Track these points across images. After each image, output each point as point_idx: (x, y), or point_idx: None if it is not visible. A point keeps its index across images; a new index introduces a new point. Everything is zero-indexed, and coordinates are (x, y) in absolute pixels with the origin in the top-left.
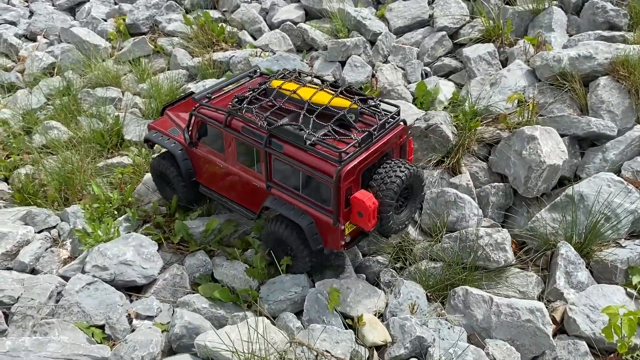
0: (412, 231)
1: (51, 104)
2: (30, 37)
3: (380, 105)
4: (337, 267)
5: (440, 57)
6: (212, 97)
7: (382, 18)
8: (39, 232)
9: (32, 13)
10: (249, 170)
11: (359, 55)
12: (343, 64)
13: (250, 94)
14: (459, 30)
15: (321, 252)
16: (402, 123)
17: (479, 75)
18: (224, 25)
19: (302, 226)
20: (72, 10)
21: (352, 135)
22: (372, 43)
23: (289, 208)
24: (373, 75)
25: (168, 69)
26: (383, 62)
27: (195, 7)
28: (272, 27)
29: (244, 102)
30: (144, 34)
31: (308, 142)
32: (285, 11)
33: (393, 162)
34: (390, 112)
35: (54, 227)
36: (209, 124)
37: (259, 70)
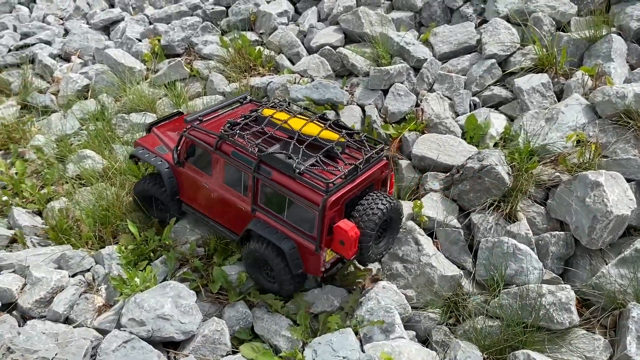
0: (466, 283)
1: (85, 129)
2: (65, 57)
3: (365, 140)
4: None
5: (489, 86)
6: (203, 120)
7: (426, 43)
8: (72, 276)
9: (66, 32)
10: (234, 192)
11: (402, 82)
12: (385, 92)
13: (242, 120)
14: (509, 57)
15: (303, 276)
16: (385, 158)
17: (532, 108)
18: (262, 48)
19: (285, 250)
20: (106, 29)
21: (339, 167)
22: (416, 70)
23: (272, 232)
24: (417, 105)
25: (204, 94)
26: (428, 91)
27: (232, 29)
28: (310, 51)
29: (236, 128)
30: (179, 55)
31: (297, 171)
32: (324, 34)
33: (375, 195)
34: (376, 147)
35: (88, 270)
36: (199, 146)
37: (249, 96)
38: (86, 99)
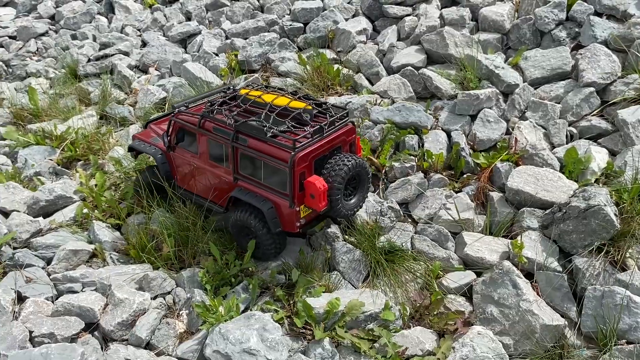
0: (570, 334)
1: None
2: (142, 68)
3: (330, 108)
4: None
5: (586, 116)
6: (190, 106)
7: (516, 67)
8: (153, 298)
9: (144, 43)
10: (218, 166)
11: (491, 108)
12: (472, 117)
13: (221, 99)
14: (608, 86)
15: (281, 236)
16: (350, 124)
17: (637, 142)
18: (340, 67)
19: (263, 210)
20: (183, 42)
21: (307, 130)
22: (505, 95)
23: (252, 196)
24: (508, 133)
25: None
26: (519, 119)
27: (309, 46)
28: (390, 70)
29: (215, 106)
30: (255, 71)
31: (268, 135)
32: (405, 54)
33: (342, 154)
34: (339, 114)
35: (169, 292)
36: (185, 127)
37: (231, 87)
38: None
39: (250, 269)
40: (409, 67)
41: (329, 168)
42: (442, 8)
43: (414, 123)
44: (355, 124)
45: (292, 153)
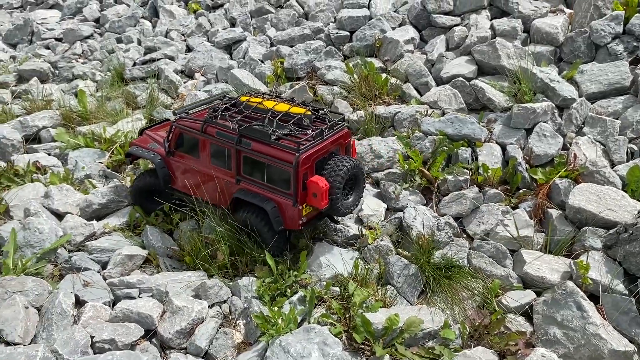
0: None
1: None
2: (188, 73)
3: (328, 113)
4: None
5: None
6: (190, 112)
7: (571, 81)
8: (210, 307)
9: (188, 48)
10: (221, 169)
11: (546, 122)
12: (527, 131)
13: (223, 105)
14: None
15: (283, 234)
16: (346, 128)
17: None
18: (388, 76)
19: (267, 209)
20: (228, 48)
21: (309, 133)
22: (560, 109)
23: (255, 196)
24: (565, 148)
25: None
26: (576, 134)
27: (355, 54)
28: (438, 81)
29: (218, 112)
30: (300, 78)
31: (273, 138)
32: (456, 65)
33: (340, 157)
34: (336, 119)
35: (225, 301)
36: (187, 133)
37: (227, 95)
38: None
39: (306, 280)
40: (460, 78)
41: (329, 169)
42: (492, 19)
43: (467, 135)
44: (406, 134)
45: (297, 154)
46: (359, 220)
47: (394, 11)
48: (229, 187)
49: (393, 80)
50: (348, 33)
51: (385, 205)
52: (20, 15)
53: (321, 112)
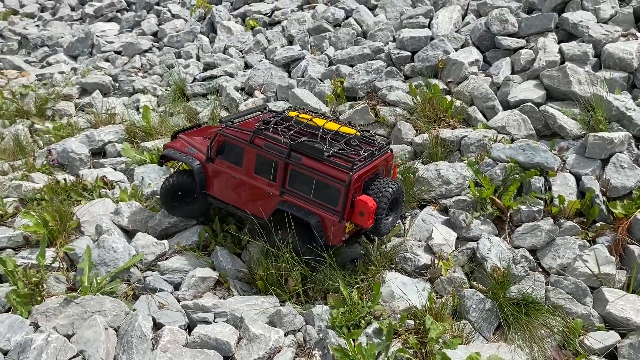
0: None
1: None
2: (248, 91)
3: (375, 136)
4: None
5: None
6: (235, 122)
7: None
8: (285, 335)
9: (246, 65)
10: (264, 180)
11: (623, 152)
12: (603, 161)
13: (274, 119)
14: None
15: (323, 249)
16: (390, 151)
17: None
18: (453, 99)
19: (311, 223)
20: (287, 66)
21: (359, 153)
22: (637, 139)
23: (300, 209)
24: None
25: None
26: None
27: (417, 75)
28: (505, 105)
29: (269, 125)
30: (360, 98)
31: (326, 154)
32: (524, 89)
33: (385, 179)
34: (383, 142)
35: (299, 330)
36: (233, 142)
37: (267, 107)
38: None
39: (378, 308)
40: (529, 103)
41: (375, 189)
42: (559, 42)
43: (540, 164)
44: (475, 159)
45: (350, 173)
46: (429, 249)
47: (456, 31)
48: (270, 198)
49: (458, 102)
50: (409, 53)
51: (456, 235)
52: (80, 28)
53: (368, 134)
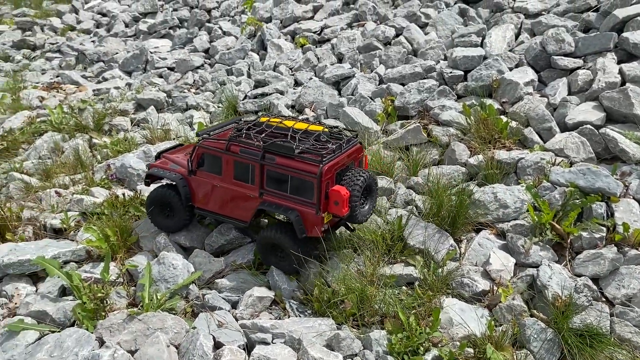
0: None
1: None
2: (298, 108)
3: (343, 132)
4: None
5: None
6: (211, 134)
7: None
8: (343, 359)
9: (296, 82)
10: (243, 184)
11: None
12: None
13: (246, 126)
14: None
15: (305, 244)
16: (359, 144)
17: None
18: (508, 120)
19: (291, 218)
20: (336, 84)
21: (328, 147)
22: None
23: (279, 207)
24: None
25: (440, 162)
26: None
27: (470, 94)
28: (562, 127)
29: (241, 132)
30: (411, 117)
31: (297, 152)
32: (582, 111)
33: (356, 169)
34: (350, 136)
35: (356, 354)
36: (210, 152)
37: (242, 119)
38: None
39: (437, 334)
40: (587, 126)
41: (347, 179)
42: (619, 62)
43: (601, 189)
44: (532, 183)
45: (320, 165)
46: (486, 274)
47: (509, 50)
48: (251, 201)
49: (513, 123)
50: (462, 72)
51: (514, 260)
52: (134, 44)
53: (336, 129)
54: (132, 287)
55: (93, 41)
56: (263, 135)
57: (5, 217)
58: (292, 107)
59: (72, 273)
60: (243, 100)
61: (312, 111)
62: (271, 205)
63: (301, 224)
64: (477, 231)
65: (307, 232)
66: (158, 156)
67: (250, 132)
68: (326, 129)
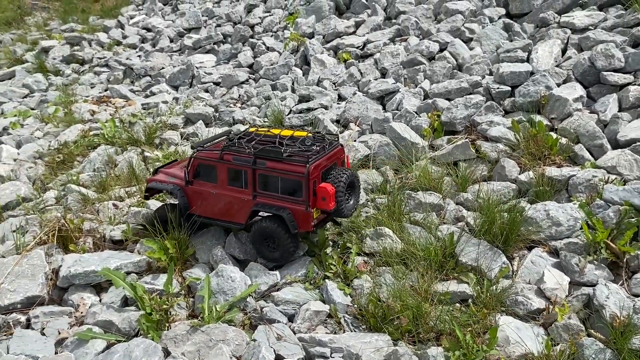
0: None
1: (370, 201)
2: (343, 123)
3: (325, 135)
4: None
5: None
6: (205, 146)
7: None
8: None
9: (340, 97)
10: (237, 189)
11: None
12: None
13: (237, 136)
14: None
15: (296, 239)
16: (340, 146)
17: None
18: (558, 136)
19: (284, 216)
20: (381, 99)
21: (313, 149)
22: None
23: (272, 207)
24: None
25: (489, 178)
26: None
27: (517, 110)
28: (614, 144)
29: (234, 142)
30: (458, 132)
31: (285, 155)
32: (634, 128)
33: (339, 168)
34: (332, 139)
35: None
36: (206, 162)
37: (232, 132)
38: (364, 167)
39: (495, 356)
40: None
41: (332, 177)
42: None
43: None
44: (585, 200)
45: (307, 165)
46: (540, 292)
47: (556, 66)
48: (245, 203)
49: (563, 140)
50: (509, 88)
51: (568, 279)
52: (180, 59)
53: (318, 134)
54: (191, 299)
55: (139, 56)
56: (253, 143)
57: (69, 229)
58: (337, 121)
59: (136, 285)
60: (288, 115)
61: (357, 126)
62: (264, 206)
63: (293, 221)
64: (529, 249)
65: (299, 227)
66: (155, 172)
67: (241, 141)
68: (310, 134)
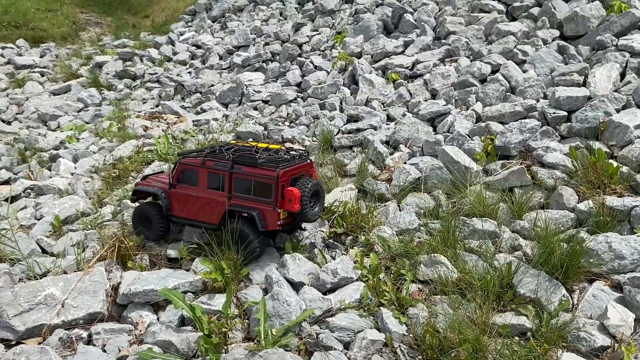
0: None
1: (423, 226)
2: (392, 144)
3: (298, 150)
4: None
5: None
6: (189, 155)
7: None
8: None
9: (389, 117)
10: (215, 192)
11: None
12: None
13: (218, 147)
14: None
15: (265, 239)
16: (310, 160)
17: None
18: (619, 165)
19: (254, 214)
20: (431, 121)
21: (284, 158)
22: None
23: (243, 207)
24: None
25: (546, 206)
26: None
27: (574, 135)
28: None
29: (215, 150)
30: (512, 157)
31: (259, 161)
32: None
33: (306, 178)
34: (302, 152)
35: None
36: (189, 167)
37: (215, 146)
38: (416, 191)
39: None
40: None
41: (299, 184)
42: None
43: None
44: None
45: (277, 170)
46: (603, 328)
47: (615, 91)
48: (221, 204)
49: (624, 168)
50: (565, 113)
51: (633, 315)
52: (229, 77)
53: (291, 149)
54: (246, 320)
55: (189, 72)
56: (232, 151)
57: (128, 246)
58: (387, 142)
59: (195, 306)
60: (337, 134)
61: (408, 148)
62: (237, 207)
63: (262, 219)
64: (590, 281)
65: (266, 226)
66: (144, 178)
67: (222, 149)
68: (283, 147)
